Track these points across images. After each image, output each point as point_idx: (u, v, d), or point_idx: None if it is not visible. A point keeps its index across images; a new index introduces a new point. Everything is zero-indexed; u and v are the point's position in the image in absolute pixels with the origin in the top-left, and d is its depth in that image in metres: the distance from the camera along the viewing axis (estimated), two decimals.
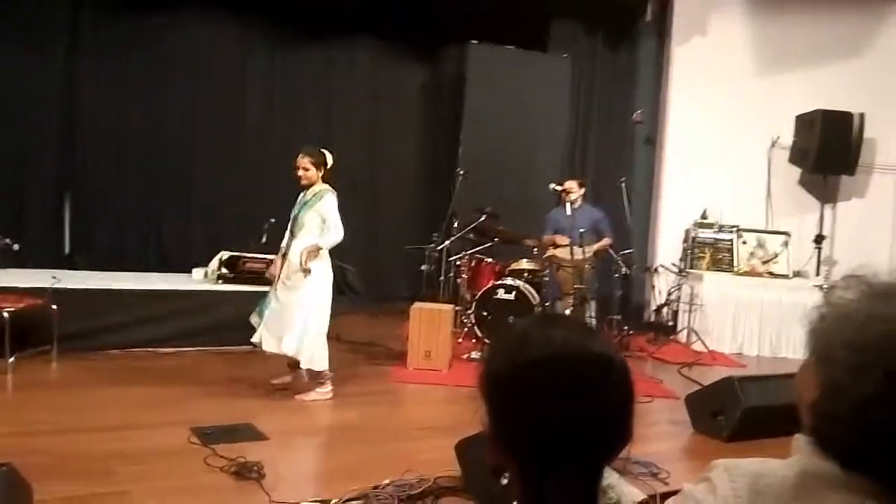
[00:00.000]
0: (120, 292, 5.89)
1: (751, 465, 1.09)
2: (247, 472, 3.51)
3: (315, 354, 4.94)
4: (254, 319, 5.06)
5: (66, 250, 7.57)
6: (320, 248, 4.88)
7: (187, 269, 6.83)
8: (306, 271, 4.82)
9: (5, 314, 4.91)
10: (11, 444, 3.70)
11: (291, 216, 5.03)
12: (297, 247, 4.88)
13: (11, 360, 4.96)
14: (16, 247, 5.79)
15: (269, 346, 4.94)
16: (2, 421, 4.10)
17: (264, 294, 5.15)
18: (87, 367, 5.28)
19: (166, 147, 8.00)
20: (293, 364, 5.07)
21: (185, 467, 3.65)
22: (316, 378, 5.01)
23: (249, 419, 4.33)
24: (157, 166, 7.97)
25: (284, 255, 4.98)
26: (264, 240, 5.87)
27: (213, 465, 3.62)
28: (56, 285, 5.38)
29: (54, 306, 5.25)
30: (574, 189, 7.02)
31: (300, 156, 4.98)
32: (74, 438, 3.88)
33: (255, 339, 5.01)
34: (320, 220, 4.92)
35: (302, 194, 5.05)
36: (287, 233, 5.03)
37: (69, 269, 6.94)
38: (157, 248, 7.96)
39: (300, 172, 4.95)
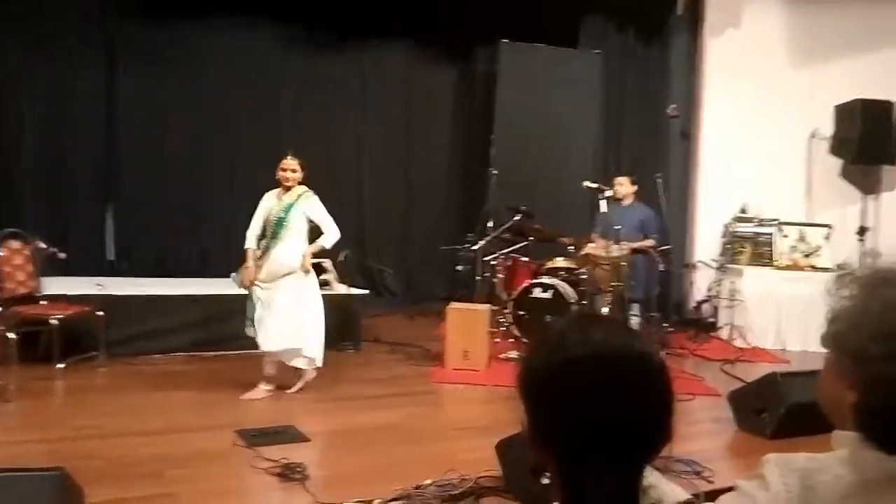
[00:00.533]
0: (163, 298, 6.01)
1: (802, 460, 1.09)
2: (291, 474, 3.57)
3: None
4: (250, 331, 5.00)
5: (110, 257, 7.74)
6: (323, 248, 5.04)
7: (227, 274, 6.94)
8: (307, 271, 4.93)
9: (54, 321, 5.05)
10: (63, 448, 3.81)
11: (271, 218, 4.95)
12: (282, 249, 4.91)
13: (61, 366, 5.10)
14: (62, 255, 5.93)
15: (281, 343, 4.92)
16: (54, 426, 4.22)
17: (245, 301, 5.08)
18: (132, 372, 5.40)
19: (205, 153, 8.14)
20: (277, 373, 5.07)
21: (230, 469, 3.72)
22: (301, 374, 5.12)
23: (292, 421, 4.40)
24: (197, 172, 8.11)
25: (260, 258, 4.96)
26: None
27: (258, 466, 3.68)
28: (101, 292, 5.51)
29: (100, 313, 5.38)
30: (625, 185, 6.96)
31: (289, 158, 5.01)
32: (122, 442, 3.97)
33: (272, 347, 4.92)
34: (306, 221, 4.97)
35: (277, 195, 5.02)
36: (260, 234, 4.99)
37: (113, 275, 7.12)
38: (198, 253, 8.09)
39: (289, 174, 4.96)
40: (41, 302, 5.41)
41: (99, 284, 5.64)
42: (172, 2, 7.63)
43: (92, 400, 4.76)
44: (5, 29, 7.21)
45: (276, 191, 5.03)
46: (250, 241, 5.02)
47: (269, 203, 5.01)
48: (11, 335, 4.72)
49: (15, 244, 5.35)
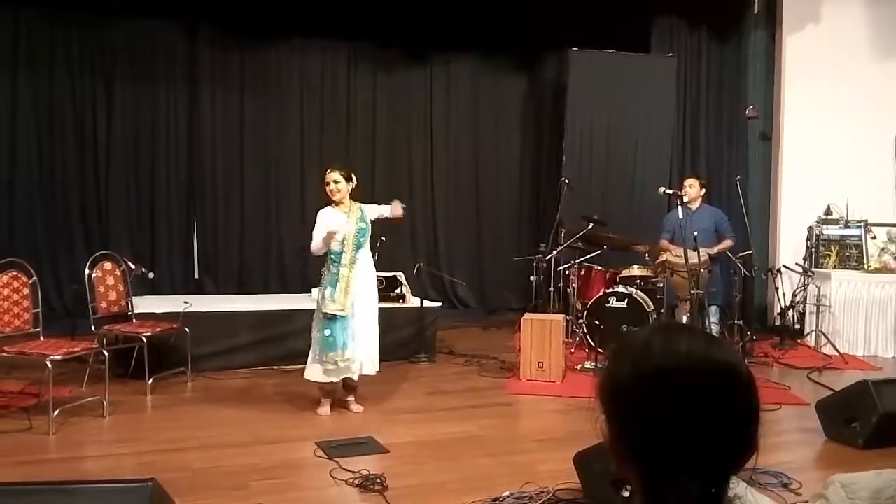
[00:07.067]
0: (245, 314, 6.19)
1: (869, 479, 1.04)
2: (370, 485, 3.63)
3: None
4: (339, 355, 4.72)
5: (196, 275, 8.04)
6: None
7: (307, 289, 7.11)
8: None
9: (143, 338, 5.27)
10: (155, 460, 3.97)
11: (348, 233, 4.78)
12: (366, 262, 4.91)
13: (150, 381, 5.31)
14: (151, 275, 6.21)
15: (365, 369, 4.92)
16: (145, 439, 4.40)
17: (326, 324, 4.76)
18: (218, 387, 5.58)
19: (280, 171, 8.38)
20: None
21: (312, 480, 3.81)
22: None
23: (371, 433, 4.46)
24: (273, 190, 8.36)
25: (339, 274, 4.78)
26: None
27: (339, 477, 3.75)
28: (188, 310, 5.71)
29: (187, 329, 5.58)
30: (695, 188, 6.82)
31: (329, 171, 4.90)
32: (210, 454, 4.11)
33: (352, 374, 4.83)
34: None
35: (339, 210, 4.85)
36: (340, 253, 4.79)
37: (199, 293, 7.41)
38: (277, 270, 8.32)
39: (332, 186, 4.81)
40: (132, 320, 5.65)
41: (186, 302, 5.84)
42: (251, 27, 7.93)
43: (180, 414, 4.94)
44: (91, 56, 7.62)
45: (331, 207, 4.88)
46: (336, 261, 4.80)
47: (336, 218, 4.81)
48: (105, 353, 4.94)
49: (107, 265, 5.61)
